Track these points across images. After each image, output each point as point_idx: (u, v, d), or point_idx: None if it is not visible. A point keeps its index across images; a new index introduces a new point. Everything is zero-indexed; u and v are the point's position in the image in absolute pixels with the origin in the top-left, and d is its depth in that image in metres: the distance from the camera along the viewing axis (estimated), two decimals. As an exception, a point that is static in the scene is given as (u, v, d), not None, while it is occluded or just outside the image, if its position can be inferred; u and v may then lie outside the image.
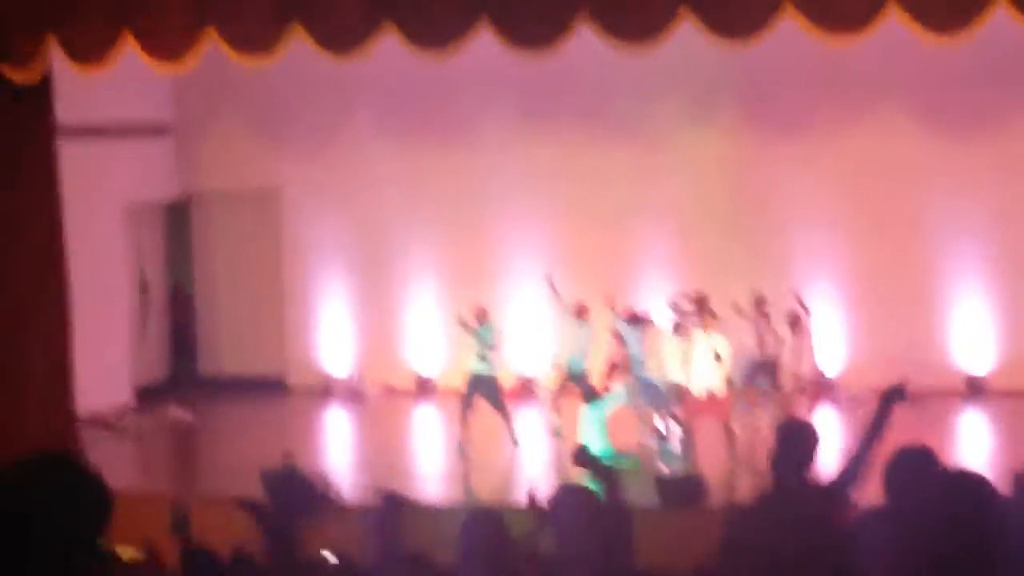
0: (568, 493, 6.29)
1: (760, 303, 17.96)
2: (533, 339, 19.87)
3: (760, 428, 16.52)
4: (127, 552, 8.16)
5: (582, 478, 10.18)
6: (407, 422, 20.51)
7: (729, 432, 16.57)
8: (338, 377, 22.08)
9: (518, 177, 21.17)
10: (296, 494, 14.14)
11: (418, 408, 21.02)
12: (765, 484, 6.65)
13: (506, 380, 19.05)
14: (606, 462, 15.51)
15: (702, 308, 17.50)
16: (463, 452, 17.12)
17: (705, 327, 16.80)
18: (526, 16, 15.42)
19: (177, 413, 20.28)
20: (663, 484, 15.03)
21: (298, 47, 16.59)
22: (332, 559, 8.44)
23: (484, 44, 16.37)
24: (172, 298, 23.30)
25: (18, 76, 16.43)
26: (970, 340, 20.38)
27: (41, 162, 17.27)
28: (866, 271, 20.47)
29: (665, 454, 16.46)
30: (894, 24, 14.95)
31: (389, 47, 16.50)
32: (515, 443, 17.33)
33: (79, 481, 3.24)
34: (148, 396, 21.41)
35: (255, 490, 14.17)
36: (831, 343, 19.88)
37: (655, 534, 9.95)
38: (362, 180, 21.65)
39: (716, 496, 14.68)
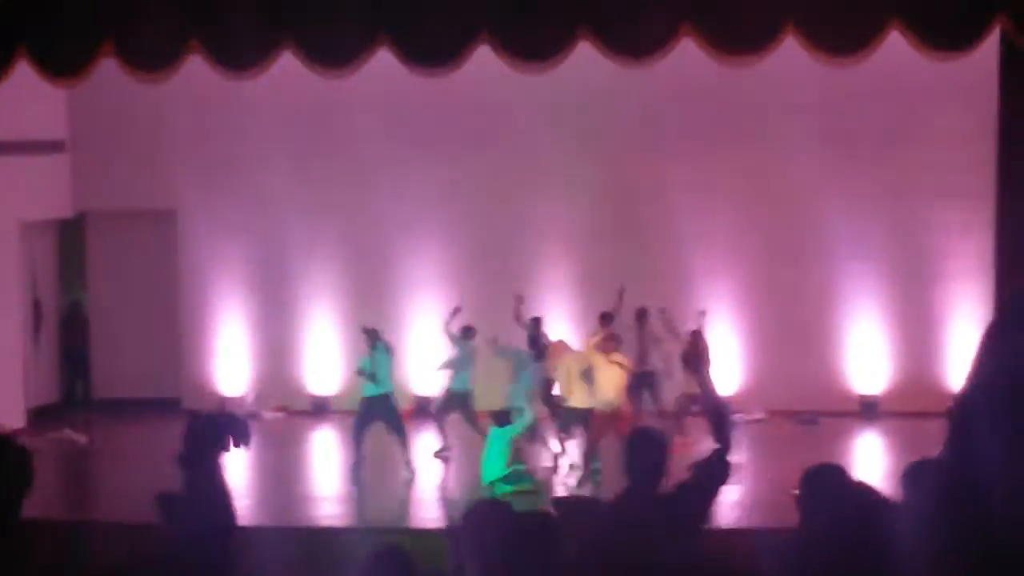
0: (483, 508, 6.26)
1: (641, 316, 18.13)
2: (430, 360, 19.73)
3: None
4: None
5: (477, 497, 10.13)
6: (303, 443, 20.34)
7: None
8: (234, 398, 21.88)
9: (415, 200, 21.16)
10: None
11: (314, 430, 20.89)
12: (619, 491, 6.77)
13: (403, 401, 18.99)
14: (508, 484, 15.60)
15: (607, 326, 17.62)
16: (357, 476, 16.82)
17: (609, 347, 16.68)
18: (424, 34, 15.49)
19: (71, 435, 19.96)
20: (561, 505, 15.00)
21: (194, 67, 16.51)
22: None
23: (382, 66, 16.42)
24: (66, 318, 22.97)
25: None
26: (864, 362, 20.63)
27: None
28: (762, 292, 20.66)
29: (567, 475, 16.56)
30: (791, 47, 15.17)
31: (287, 68, 16.48)
32: (411, 469, 17.04)
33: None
34: (41, 417, 21.07)
35: (148, 513, 14.00)
36: (727, 363, 19.99)
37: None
38: (259, 202, 21.48)
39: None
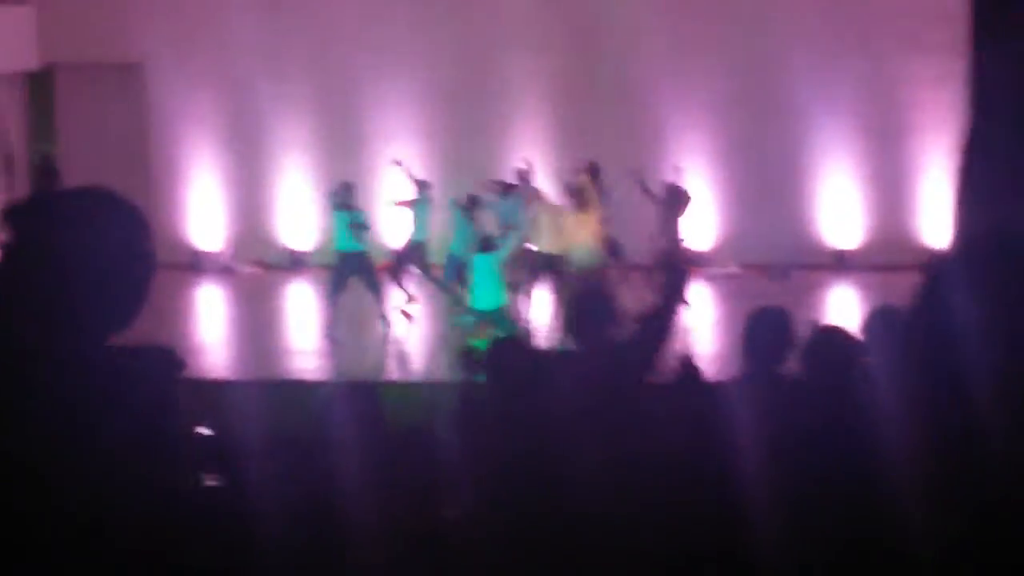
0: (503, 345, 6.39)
1: (594, 172, 17.69)
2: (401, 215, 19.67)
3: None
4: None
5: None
6: (279, 298, 20.37)
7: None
8: (208, 253, 21.85)
9: (387, 50, 20.99)
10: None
11: (290, 284, 20.91)
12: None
13: (377, 258, 18.98)
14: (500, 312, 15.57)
15: (595, 178, 17.38)
16: (332, 332, 16.77)
17: (587, 202, 16.42)
18: None
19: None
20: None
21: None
22: (207, 433, 8.36)
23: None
24: (38, 170, 22.81)
25: None
26: (837, 215, 20.70)
27: None
28: (735, 148, 20.65)
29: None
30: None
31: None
32: (387, 323, 17.09)
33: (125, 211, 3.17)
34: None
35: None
36: (701, 218, 20.01)
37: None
38: (229, 54, 21.24)
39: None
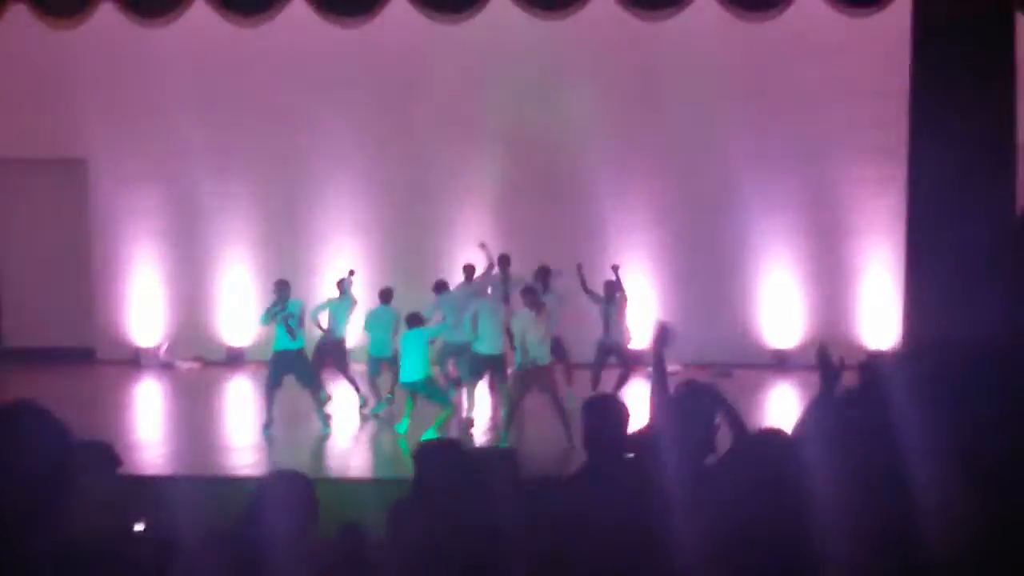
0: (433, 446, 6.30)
1: (544, 275, 17.89)
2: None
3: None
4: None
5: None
6: (218, 393, 20.25)
7: (556, 403, 15.79)
8: (148, 348, 21.75)
9: (328, 150, 21.12)
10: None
11: (230, 379, 20.81)
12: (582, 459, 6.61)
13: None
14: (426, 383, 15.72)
15: (545, 281, 17.58)
16: (269, 434, 16.57)
17: (537, 306, 16.40)
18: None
19: (-21, 385, 19.80)
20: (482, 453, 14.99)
21: (105, 14, 16.32)
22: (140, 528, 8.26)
23: (296, 15, 16.35)
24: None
25: None
26: (778, 315, 20.84)
27: None
28: (677, 246, 20.83)
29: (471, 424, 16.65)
30: (707, 3, 15.19)
31: (199, 16, 16.35)
32: (327, 424, 16.90)
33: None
34: (-51, 367, 20.87)
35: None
36: (641, 316, 20.10)
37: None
38: (170, 151, 21.31)
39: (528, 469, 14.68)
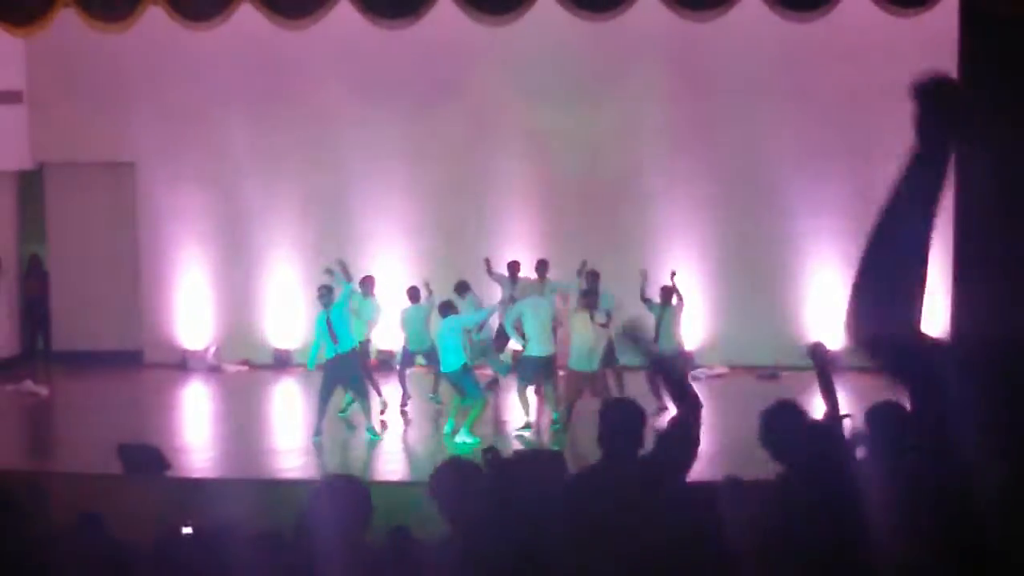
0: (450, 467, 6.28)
1: (593, 275, 17.82)
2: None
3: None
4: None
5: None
6: (266, 396, 20.31)
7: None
8: (196, 351, 21.85)
9: (376, 151, 21.11)
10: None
11: (277, 382, 20.87)
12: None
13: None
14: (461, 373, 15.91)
15: (594, 281, 17.55)
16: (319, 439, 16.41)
17: (592, 306, 16.42)
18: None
19: (31, 387, 19.90)
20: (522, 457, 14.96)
21: (153, 16, 16.42)
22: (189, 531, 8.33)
23: (343, 17, 16.41)
24: (26, 270, 22.86)
25: None
26: (825, 317, 20.72)
27: None
28: (724, 247, 20.75)
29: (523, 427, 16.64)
30: (752, 2, 15.14)
31: (247, 18, 16.43)
32: (376, 432, 16.77)
33: None
34: (2, 370, 21.01)
35: (111, 464, 14.01)
36: (690, 318, 20.02)
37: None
38: (218, 154, 21.38)
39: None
